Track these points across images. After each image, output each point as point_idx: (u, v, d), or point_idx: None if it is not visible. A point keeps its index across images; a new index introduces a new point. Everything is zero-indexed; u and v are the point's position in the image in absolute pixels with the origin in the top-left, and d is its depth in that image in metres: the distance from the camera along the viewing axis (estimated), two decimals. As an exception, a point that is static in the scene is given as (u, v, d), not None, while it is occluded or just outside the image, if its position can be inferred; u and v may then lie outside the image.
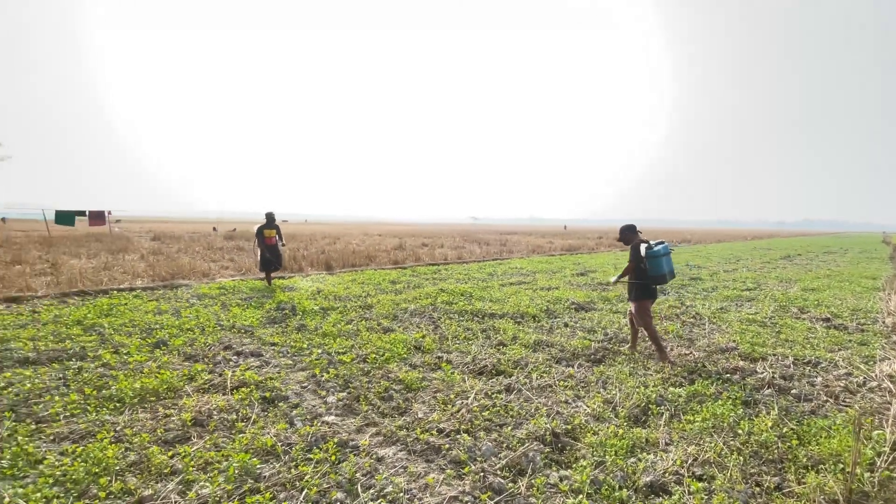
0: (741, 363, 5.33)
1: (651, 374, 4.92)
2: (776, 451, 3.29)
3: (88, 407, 3.92)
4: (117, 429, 3.57)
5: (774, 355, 5.68)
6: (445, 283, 11.28)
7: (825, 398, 4.40)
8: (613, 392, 4.39)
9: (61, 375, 4.63)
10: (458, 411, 3.91)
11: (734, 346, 6.02)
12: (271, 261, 9.97)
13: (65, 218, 25.52)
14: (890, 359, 5.51)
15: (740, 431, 3.55)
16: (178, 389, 4.35)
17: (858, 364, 5.34)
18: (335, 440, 3.39)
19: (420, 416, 3.85)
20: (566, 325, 7.15)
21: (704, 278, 12.88)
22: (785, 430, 3.61)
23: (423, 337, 6.19)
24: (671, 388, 4.46)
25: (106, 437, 3.40)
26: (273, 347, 5.74)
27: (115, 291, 9.17)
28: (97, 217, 26.12)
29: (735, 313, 8.09)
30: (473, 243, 26.33)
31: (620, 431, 3.52)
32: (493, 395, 4.30)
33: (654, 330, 5.42)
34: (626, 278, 5.46)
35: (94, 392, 4.20)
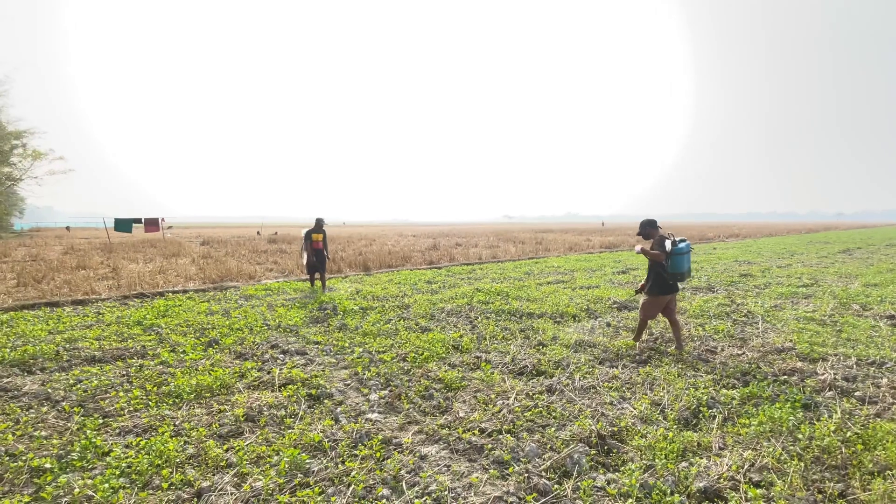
0: (799, 364, 5.03)
1: (701, 376, 4.72)
2: (839, 456, 3.09)
3: (150, 402, 4.17)
4: (176, 423, 3.78)
5: (835, 355, 5.33)
6: (481, 282, 11.25)
7: (892, 400, 4.09)
8: (661, 394, 4.25)
9: (125, 373, 4.94)
10: (499, 411, 3.90)
11: (791, 346, 5.69)
12: (316, 264, 10.10)
13: (123, 225, 27.21)
14: (971, 360, 5.05)
15: (800, 436, 3.36)
16: (231, 386, 4.55)
17: (933, 366, 4.93)
18: (379, 437, 3.45)
19: (461, 415, 3.86)
20: (608, 324, 6.98)
21: (755, 274, 12.25)
22: (848, 434, 3.38)
23: (461, 336, 6.21)
24: (723, 391, 4.27)
25: (167, 431, 3.60)
26: (317, 346, 5.91)
27: (170, 294, 9.71)
28: (152, 224, 27.69)
29: (791, 311, 7.64)
30: (508, 242, 26.13)
31: (670, 434, 3.40)
32: (534, 396, 4.26)
33: (646, 320, 5.61)
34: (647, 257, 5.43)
35: (155, 388, 4.46)
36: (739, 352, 5.55)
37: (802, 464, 3.04)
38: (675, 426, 3.63)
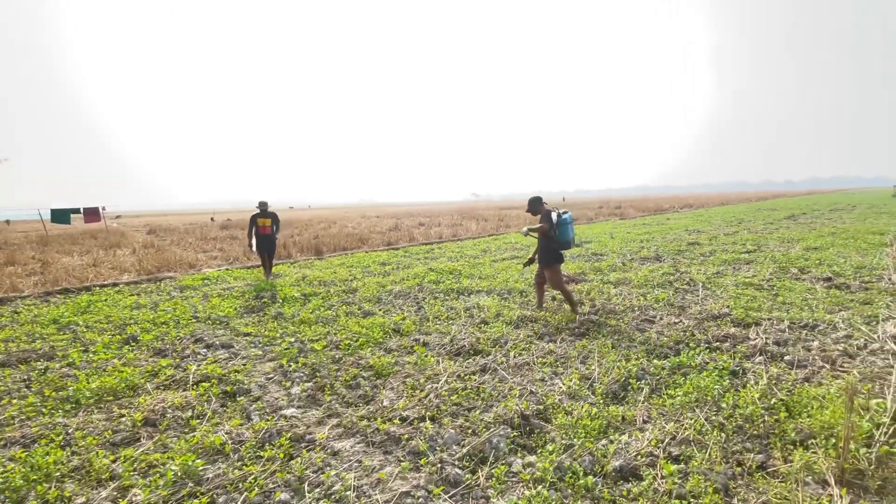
0: (733, 330, 5.07)
1: (635, 347, 4.67)
2: (762, 425, 3.06)
3: (45, 409, 3.75)
4: (69, 431, 3.41)
5: (769, 319, 5.41)
6: (437, 261, 11.03)
7: (821, 364, 4.13)
8: (593, 367, 4.15)
9: (26, 377, 4.47)
10: (426, 396, 3.70)
11: (727, 311, 5.75)
12: (265, 250, 9.49)
13: (60, 216, 25.39)
14: (894, 318, 5.22)
15: (724, 405, 3.31)
16: (139, 387, 4.17)
17: (860, 325, 5.06)
18: (290, 435, 3.20)
19: (385, 403, 3.64)
20: (553, 298, 6.90)
21: (703, 243, 12.54)
22: (773, 401, 3.36)
23: (404, 319, 5.97)
24: (655, 361, 4.22)
25: (55, 441, 3.23)
26: (246, 338, 5.55)
27: (98, 288, 9.02)
28: (92, 213, 25.94)
29: (731, 277, 7.78)
30: (472, 220, 25.98)
31: (594, 410, 3.29)
32: (466, 377, 4.09)
33: (566, 288, 5.94)
34: (535, 233, 6.00)
35: (54, 393, 4.03)
36: (676, 320, 5.56)
37: (724, 435, 2.98)
38: (602, 401, 3.53)
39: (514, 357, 4.54)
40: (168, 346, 5.26)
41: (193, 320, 6.35)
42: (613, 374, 3.96)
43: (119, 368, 4.59)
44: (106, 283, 9.44)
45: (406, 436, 3.13)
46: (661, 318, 5.67)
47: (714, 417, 3.17)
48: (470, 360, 4.52)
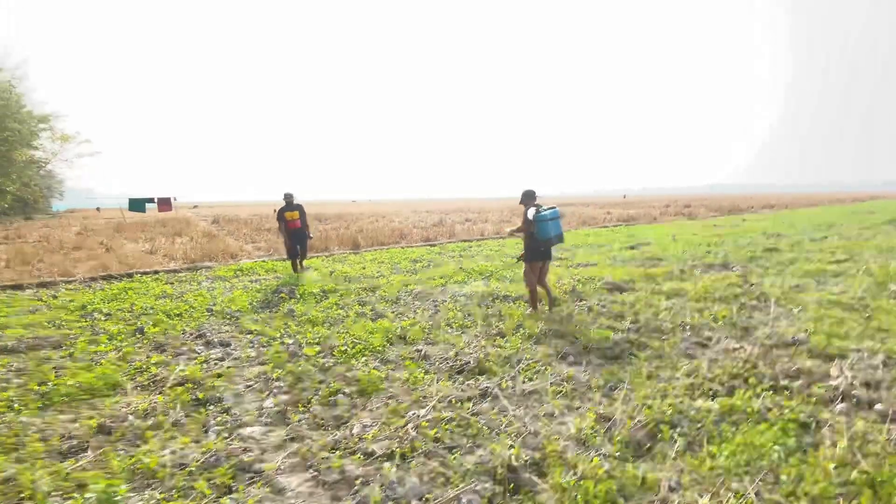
0: (809, 363, 4.03)
1: (678, 379, 3.80)
2: (838, 513, 2.19)
3: (16, 405, 3.61)
4: (28, 433, 3.21)
5: (858, 351, 4.28)
6: (472, 260, 10.42)
7: (929, 419, 3.09)
8: (617, 404, 3.38)
9: (23, 366, 4.44)
10: (403, 426, 3.13)
11: (804, 337, 4.65)
12: (296, 247, 9.12)
13: (137, 205, 27.56)
14: None
15: (785, 477, 2.45)
16: (119, 386, 3.96)
17: None
18: (235, 462, 2.76)
19: (356, 430, 3.12)
20: (590, 309, 6.05)
21: (783, 249, 10.88)
22: (854, 474, 2.45)
23: (414, 324, 5.44)
24: (699, 401, 3.36)
25: (4, 445, 3.03)
26: (249, 336, 5.28)
27: (140, 275, 9.32)
28: (165, 203, 27.93)
29: (814, 293, 6.49)
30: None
31: (600, 472, 2.55)
32: (459, 404, 3.47)
33: (534, 288, 5.84)
34: (518, 234, 6.07)
35: (36, 387, 3.92)
36: (737, 345, 4.56)
37: (779, 523, 2.16)
38: (619, 452, 2.78)
39: (524, 381, 3.85)
40: (169, 341, 5.10)
41: (207, 313, 6.21)
42: (642, 415, 3.17)
43: (113, 362, 4.44)
44: (147, 270, 9.76)
45: (361, 479, 2.58)
46: (717, 342, 4.70)
47: (768, 495, 2.33)
48: (471, 382, 3.90)
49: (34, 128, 36.99)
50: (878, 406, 3.26)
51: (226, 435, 3.14)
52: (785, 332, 4.84)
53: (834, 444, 2.75)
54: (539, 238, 5.55)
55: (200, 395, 3.68)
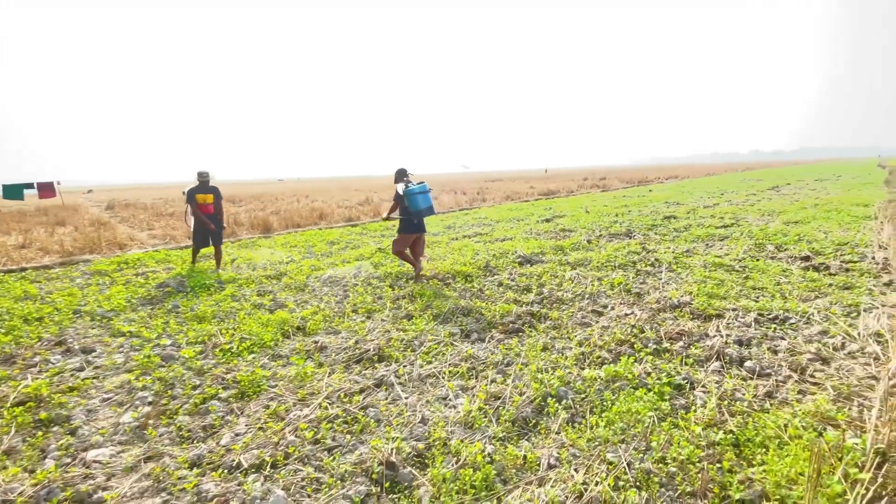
0: (690, 324, 4.28)
1: (571, 349, 3.86)
2: (700, 476, 2.26)
3: None
4: None
5: (735, 310, 4.64)
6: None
7: (788, 372, 3.36)
8: (509, 380, 3.34)
9: None
10: (280, 430, 2.86)
11: (689, 300, 4.96)
12: (206, 235, 7.47)
13: (13, 191, 23.80)
14: (878, 308, 4.47)
15: (656, 443, 2.52)
16: (-60, 413, 3.28)
17: (837, 318, 4.30)
18: (69, 494, 2.35)
19: (225, 441, 2.80)
20: (500, 283, 6.05)
21: (680, 216, 11.73)
22: (721, 435, 2.57)
23: (316, 313, 5.10)
24: (587, 370, 3.41)
25: None
26: (120, 339, 4.65)
27: (1, 274, 7.99)
28: (47, 189, 24.38)
29: (701, 257, 6.99)
30: (450, 193, 24.90)
31: (480, 458, 2.46)
32: (348, 398, 3.26)
33: (402, 256, 6.30)
34: (395, 214, 6.41)
35: None
36: (629, 311, 4.76)
37: (646, 493, 2.19)
38: (504, 433, 2.73)
39: (423, 365, 3.71)
40: (20, 352, 4.35)
41: (73, 316, 5.42)
42: (530, 390, 3.15)
43: (-62, 384, 3.69)
44: (13, 268, 8.40)
45: (217, 499, 2.29)
46: (611, 309, 4.88)
47: (639, 464, 2.37)
48: (368, 371, 3.69)
49: None
50: (747, 363, 3.50)
51: (67, 460, 2.68)
52: (672, 296, 5.13)
53: (704, 405, 2.89)
54: (411, 210, 5.91)
55: (43, 416, 3.13)
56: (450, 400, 3.19)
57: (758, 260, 6.64)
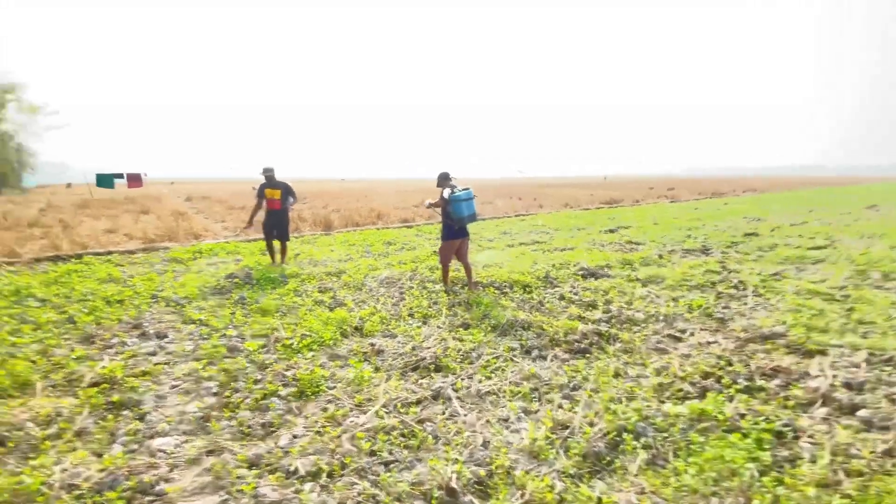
0: (787, 360, 3.78)
1: (647, 377, 3.51)
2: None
3: None
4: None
5: (839, 346, 4.05)
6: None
7: (914, 427, 2.84)
8: (578, 408, 3.06)
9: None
10: (337, 436, 2.78)
11: (782, 330, 4.41)
12: (273, 229, 7.62)
13: (105, 181, 26.28)
14: None
15: (757, 503, 2.16)
16: (29, 386, 3.52)
17: (972, 365, 3.63)
18: (134, 483, 2.38)
19: (283, 443, 2.75)
20: (562, 297, 5.74)
21: (762, 233, 10.72)
22: (836, 500, 2.17)
23: (373, 314, 5.06)
24: (668, 406, 3.06)
25: None
26: (191, 326, 4.84)
27: (91, 256, 8.71)
28: (134, 179, 26.70)
29: (792, 281, 6.27)
30: (505, 197, 24.56)
31: (549, 496, 2.23)
32: (406, 408, 3.13)
33: (447, 269, 6.16)
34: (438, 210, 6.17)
35: (-63, 387, 3.46)
36: (712, 339, 4.30)
37: (748, 560, 1.87)
38: (574, 469, 2.47)
39: (481, 381, 3.52)
40: (100, 332, 4.63)
41: (151, 300, 5.74)
42: (603, 422, 2.86)
43: (30, 357, 3.98)
44: (100, 251, 9.15)
45: (276, 506, 2.23)
46: (691, 335, 4.43)
47: (739, 525, 2.04)
48: (425, 381, 3.55)
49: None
50: (860, 412, 3.01)
51: (134, 447, 2.75)
52: (762, 325, 4.59)
53: (813, 460, 2.48)
54: (454, 217, 5.80)
55: (115, 399, 3.27)
56: (512, 423, 2.97)
57: (862, 289, 5.85)
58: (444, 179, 6.17)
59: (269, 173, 7.56)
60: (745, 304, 5.36)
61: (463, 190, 5.87)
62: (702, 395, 3.22)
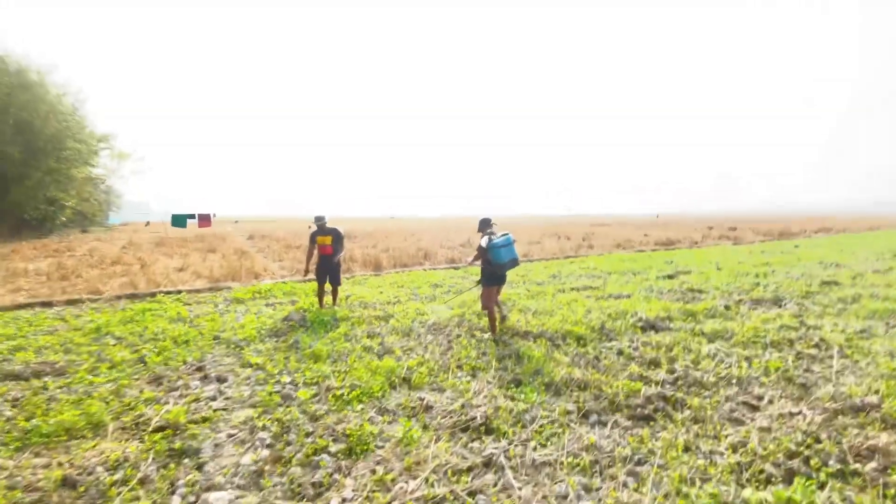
0: (883, 437, 3.32)
1: (721, 454, 3.19)
2: None
3: (-4, 445, 3.44)
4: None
5: (953, 426, 3.52)
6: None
7: None
8: (645, 488, 2.82)
9: (21, 395, 4.32)
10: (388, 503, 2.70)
11: (876, 401, 3.91)
12: (325, 274, 7.84)
13: (178, 220, 28.64)
14: None
15: None
16: (102, 426, 3.73)
17: None
18: (190, 543, 2.41)
19: (333, 505, 2.72)
20: (620, 352, 5.44)
21: (843, 282, 9.80)
22: None
23: (421, 364, 5.02)
24: (747, 492, 2.75)
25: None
26: (248, 370, 5.00)
27: (162, 294, 9.37)
28: (204, 219, 28.89)
29: (884, 340, 5.62)
30: (553, 237, 24.21)
31: None
32: (455, 477, 3.01)
33: (493, 314, 6.12)
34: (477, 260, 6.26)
35: (23, 422, 3.75)
36: (795, 409, 3.88)
37: None
38: (643, 564, 2.24)
39: (536, 448, 3.34)
40: (167, 374, 4.89)
41: (214, 341, 6.03)
42: (673, 506, 2.61)
43: (104, 397, 4.25)
44: (171, 289, 9.82)
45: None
46: (769, 403, 4.03)
47: None
48: (475, 444, 3.42)
49: (94, 147, 39.54)
50: None
51: (191, 499, 2.81)
52: (852, 393, 4.10)
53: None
54: (494, 263, 5.86)
55: (178, 446, 3.38)
56: (571, 501, 2.77)
57: (973, 353, 5.13)
58: (484, 225, 6.27)
59: (320, 222, 7.96)
60: (830, 366, 4.84)
61: (501, 236, 5.92)
62: (787, 478, 2.88)
